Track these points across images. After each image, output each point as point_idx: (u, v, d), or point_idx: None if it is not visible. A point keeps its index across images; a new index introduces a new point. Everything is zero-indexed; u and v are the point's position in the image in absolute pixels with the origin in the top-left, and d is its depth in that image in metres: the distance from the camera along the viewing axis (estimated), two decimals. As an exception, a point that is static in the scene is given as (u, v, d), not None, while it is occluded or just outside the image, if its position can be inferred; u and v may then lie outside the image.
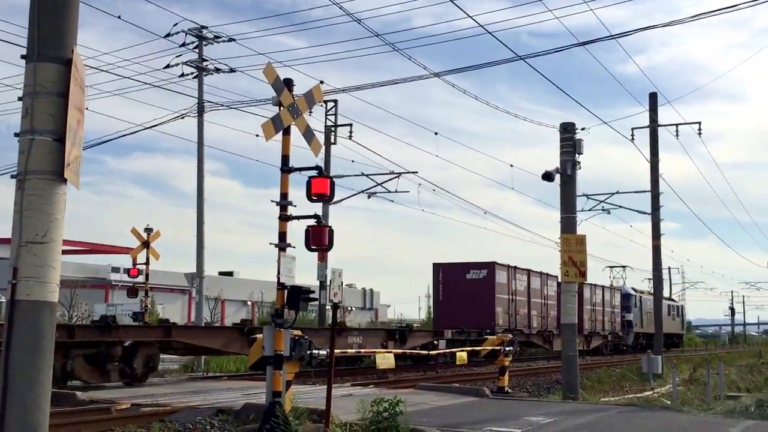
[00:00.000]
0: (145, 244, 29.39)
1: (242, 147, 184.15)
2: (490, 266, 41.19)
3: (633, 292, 62.69)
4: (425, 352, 24.66)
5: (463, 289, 40.70)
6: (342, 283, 28.68)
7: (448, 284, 41.49)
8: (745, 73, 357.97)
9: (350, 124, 40.42)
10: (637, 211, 42.44)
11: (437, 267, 42.22)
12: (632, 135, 38.48)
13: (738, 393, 25.48)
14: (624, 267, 68.47)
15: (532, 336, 45.64)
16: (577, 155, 23.60)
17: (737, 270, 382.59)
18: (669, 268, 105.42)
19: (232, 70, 36.48)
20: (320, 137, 20.35)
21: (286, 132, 10.99)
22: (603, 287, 56.19)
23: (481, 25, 21.01)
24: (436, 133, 54.03)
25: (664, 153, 49.71)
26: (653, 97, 37.86)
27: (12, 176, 7.47)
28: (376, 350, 20.42)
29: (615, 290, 59.51)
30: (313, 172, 11.18)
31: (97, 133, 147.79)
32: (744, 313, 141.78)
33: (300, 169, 11.20)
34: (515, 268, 43.48)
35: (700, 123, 40.44)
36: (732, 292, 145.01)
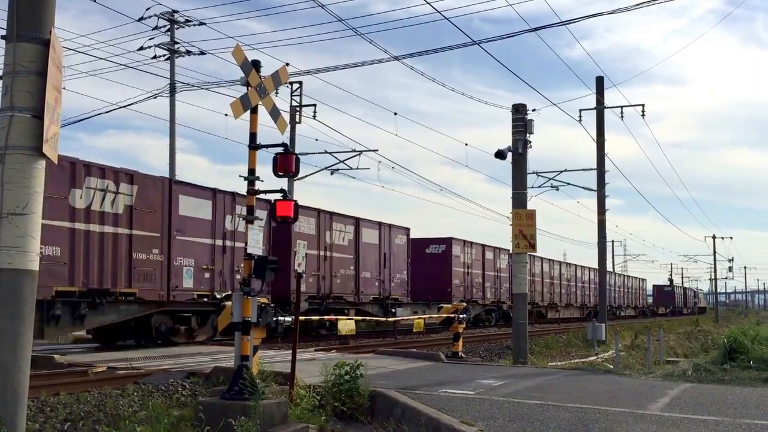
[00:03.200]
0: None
1: (210, 125, 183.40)
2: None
3: (695, 289, 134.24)
4: (383, 318, 24.81)
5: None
6: (306, 254, 28.70)
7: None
8: (685, 59, 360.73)
9: (314, 105, 40.38)
10: (584, 188, 42.74)
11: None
12: (580, 116, 38.65)
13: (676, 358, 25.84)
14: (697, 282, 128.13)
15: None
16: (528, 135, 23.74)
17: (676, 243, 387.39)
18: (613, 242, 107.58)
19: (202, 53, 36.40)
20: (286, 117, 20.31)
21: (254, 111, 10.97)
22: (687, 288, 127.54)
23: (437, 11, 21.05)
24: (395, 114, 53.81)
25: (610, 133, 50.27)
26: (600, 81, 38.05)
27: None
28: (339, 317, 20.51)
29: (689, 289, 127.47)
30: (279, 149, 11.18)
31: (72, 112, 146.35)
32: (683, 283, 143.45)
33: (267, 146, 11.20)
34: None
35: (643, 105, 40.71)
36: (671, 264, 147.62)
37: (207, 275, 24.17)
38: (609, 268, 64.89)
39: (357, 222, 33.69)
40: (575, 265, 66.88)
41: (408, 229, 38.17)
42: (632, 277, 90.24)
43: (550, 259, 58.12)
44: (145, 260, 21.76)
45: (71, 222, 19.60)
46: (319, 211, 30.94)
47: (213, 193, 24.58)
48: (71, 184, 19.64)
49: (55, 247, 19.05)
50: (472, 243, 43.82)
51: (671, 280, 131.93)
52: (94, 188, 20.30)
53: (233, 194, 25.16)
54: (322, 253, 31.06)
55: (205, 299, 24.07)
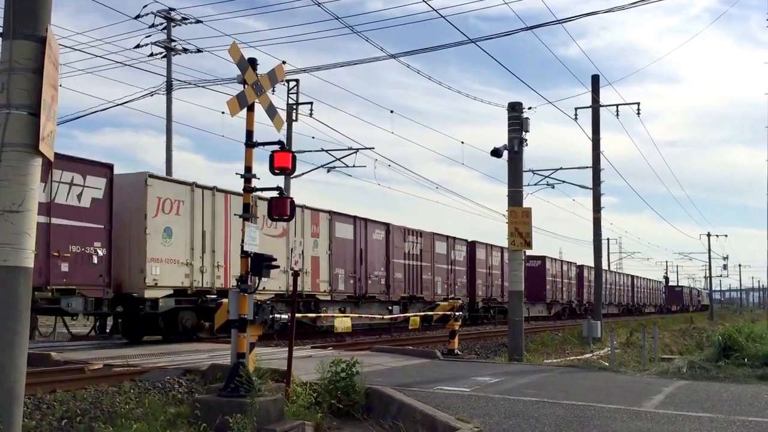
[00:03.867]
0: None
1: (206, 123, 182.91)
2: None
3: (699, 288, 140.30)
4: (380, 316, 24.81)
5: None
6: (303, 251, 28.72)
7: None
8: (680, 57, 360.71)
9: (311, 103, 40.33)
10: (580, 186, 42.67)
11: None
12: (576, 114, 38.68)
13: (671, 355, 25.88)
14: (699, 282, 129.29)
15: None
16: (524, 133, 23.72)
17: (671, 241, 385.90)
18: (608, 239, 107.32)
19: (199, 50, 36.30)
20: (283, 114, 20.31)
21: (250, 109, 10.95)
22: (692, 288, 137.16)
23: (433, 9, 21.03)
24: (391, 112, 53.95)
25: (605, 131, 50.53)
26: (595, 79, 38.05)
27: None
28: (335, 315, 20.49)
29: (694, 289, 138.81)
30: (276, 147, 11.17)
31: (69, 109, 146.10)
32: (677, 281, 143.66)
33: (263, 144, 11.18)
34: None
35: (638, 103, 40.73)
36: (666, 262, 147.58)
37: (445, 286, 41.05)
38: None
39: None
40: (616, 272, 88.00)
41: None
42: (653, 280, 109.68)
43: (567, 261, 72.98)
44: (427, 279, 39.03)
45: (404, 260, 36.84)
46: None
47: (447, 238, 41.68)
48: (404, 238, 37.03)
49: (399, 274, 36.23)
50: (554, 259, 60.18)
51: (667, 278, 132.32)
52: (408, 241, 37.47)
53: (454, 238, 42.51)
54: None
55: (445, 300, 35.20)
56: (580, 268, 67.12)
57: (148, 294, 21.72)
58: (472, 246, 45.68)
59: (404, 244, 36.93)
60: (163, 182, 22.96)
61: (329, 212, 31.03)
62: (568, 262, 64.98)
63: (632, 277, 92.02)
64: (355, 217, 33.13)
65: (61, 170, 19.35)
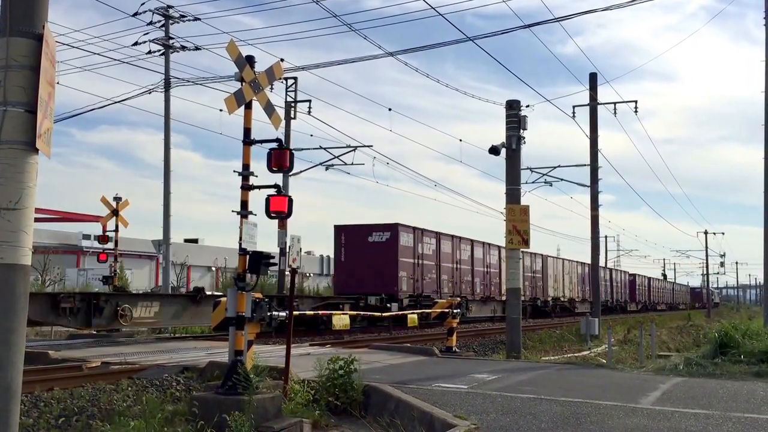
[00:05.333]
0: (115, 212, 29.31)
1: (204, 120, 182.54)
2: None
3: (712, 288, 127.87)
4: (379, 313, 24.79)
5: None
6: (301, 249, 28.64)
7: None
8: (677, 55, 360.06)
9: (309, 100, 40.29)
10: (577, 184, 42.75)
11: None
12: (573, 112, 38.69)
13: (668, 352, 25.87)
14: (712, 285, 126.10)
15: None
16: (521, 131, 23.69)
17: (669, 239, 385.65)
18: (606, 237, 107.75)
19: (197, 48, 36.20)
20: (281, 112, 20.32)
21: (248, 106, 10.93)
22: (708, 288, 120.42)
23: (432, 7, 21.00)
24: (389, 110, 54.09)
25: (603, 129, 50.53)
26: (593, 77, 38.05)
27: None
28: (333, 312, 20.47)
29: (711, 290, 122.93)
30: (274, 145, 11.15)
31: (66, 107, 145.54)
32: (675, 278, 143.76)
33: (261, 142, 11.16)
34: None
35: (636, 101, 40.84)
36: (664, 259, 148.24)
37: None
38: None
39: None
40: (664, 280, 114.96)
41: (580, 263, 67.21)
42: (682, 284, 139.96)
43: (642, 275, 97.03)
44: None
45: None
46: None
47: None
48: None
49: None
50: (640, 275, 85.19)
51: (665, 275, 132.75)
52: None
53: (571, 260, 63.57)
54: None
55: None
56: (649, 279, 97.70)
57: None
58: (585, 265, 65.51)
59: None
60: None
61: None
62: (641, 275, 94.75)
63: (672, 282, 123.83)
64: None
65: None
